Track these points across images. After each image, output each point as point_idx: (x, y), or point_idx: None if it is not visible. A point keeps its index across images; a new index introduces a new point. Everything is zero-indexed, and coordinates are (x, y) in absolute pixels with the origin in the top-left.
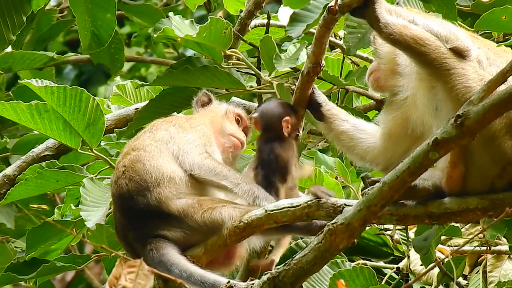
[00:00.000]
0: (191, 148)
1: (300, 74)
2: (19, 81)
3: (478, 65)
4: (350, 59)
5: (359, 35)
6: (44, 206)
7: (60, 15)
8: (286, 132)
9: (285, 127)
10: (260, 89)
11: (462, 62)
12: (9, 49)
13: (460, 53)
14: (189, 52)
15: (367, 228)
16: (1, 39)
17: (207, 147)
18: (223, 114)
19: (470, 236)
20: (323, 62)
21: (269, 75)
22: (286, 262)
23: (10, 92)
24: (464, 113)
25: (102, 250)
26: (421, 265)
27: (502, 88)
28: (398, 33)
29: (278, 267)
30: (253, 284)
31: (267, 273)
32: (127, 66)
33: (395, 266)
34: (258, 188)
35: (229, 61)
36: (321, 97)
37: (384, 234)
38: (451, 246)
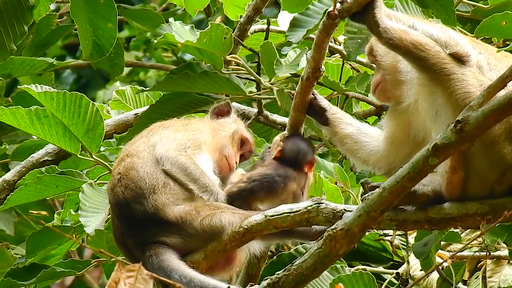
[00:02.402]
0: (170, 143)
1: (300, 79)
2: (18, 86)
3: (478, 71)
4: (350, 65)
5: (359, 40)
6: (43, 212)
7: (59, 20)
8: (306, 170)
9: (308, 168)
10: (260, 94)
11: (461, 68)
12: None
13: (459, 59)
14: (188, 57)
15: (367, 233)
16: (3, 49)
17: (188, 149)
18: (229, 134)
19: (470, 241)
20: (323, 67)
21: (269, 81)
22: (286, 267)
23: (9, 98)
24: (464, 119)
25: (102, 255)
26: (421, 270)
27: (501, 93)
28: (397, 38)
29: (278, 272)
30: None
31: (267, 279)
32: (125, 70)
33: (395, 271)
34: (223, 196)
35: (229, 67)
36: (324, 101)
37: (384, 240)
38: (451, 252)
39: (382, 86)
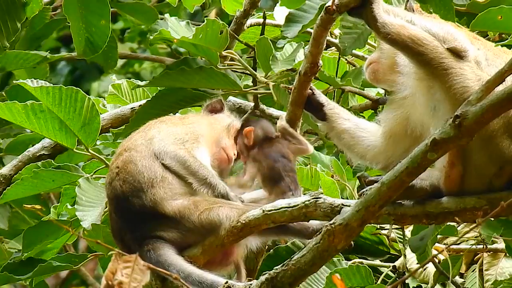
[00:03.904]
0: (168, 137)
1: (297, 74)
2: (14, 81)
3: (476, 66)
4: (346, 59)
5: (354, 35)
6: (37, 206)
7: (53, 13)
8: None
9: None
10: (256, 89)
11: (459, 62)
12: None
13: (457, 54)
14: (182, 49)
15: None
16: None
17: (187, 143)
18: (224, 126)
19: (466, 234)
20: (320, 62)
21: (265, 76)
22: (284, 262)
23: (3, 92)
24: (462, 113)
25: (98, 247)
26: (418, 264)
27: (500, 88)
28: (395, 33)
29: (277, 267)
30: (251, 284)
31: (265, 274)
32: (120, 62)
33: (392, 264)
34: (223, 187)
35: (225, 62)
36: (322, 97)
37: (380, 233)
38: (447, 245)
39: (374, 66)
